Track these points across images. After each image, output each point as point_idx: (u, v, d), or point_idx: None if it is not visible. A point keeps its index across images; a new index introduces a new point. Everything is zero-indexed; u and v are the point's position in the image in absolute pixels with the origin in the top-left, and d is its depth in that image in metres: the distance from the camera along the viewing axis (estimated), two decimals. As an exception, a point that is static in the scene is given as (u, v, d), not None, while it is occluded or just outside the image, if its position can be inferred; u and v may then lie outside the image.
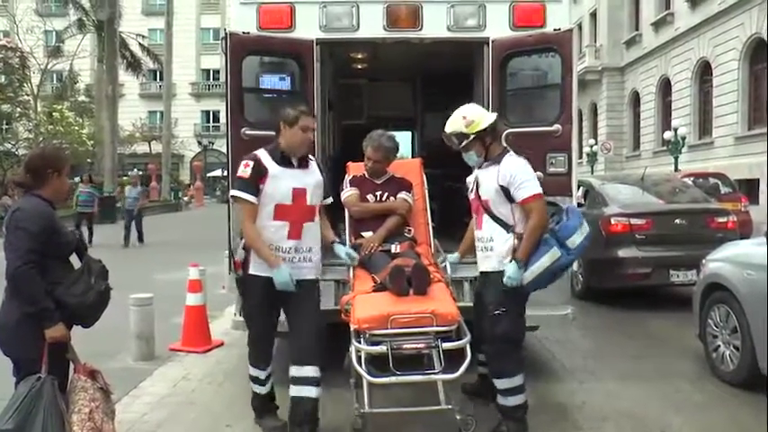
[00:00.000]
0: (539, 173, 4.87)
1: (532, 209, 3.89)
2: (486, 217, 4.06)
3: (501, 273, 3.93)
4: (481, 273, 4.21)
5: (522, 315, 4.15)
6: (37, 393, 3.08)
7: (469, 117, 4.04)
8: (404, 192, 5.01)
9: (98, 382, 3.37)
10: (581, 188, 9.63)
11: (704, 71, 26.29)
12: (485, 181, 4.06)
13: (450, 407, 4.08)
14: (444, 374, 3.87)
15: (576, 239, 3.89)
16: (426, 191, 5.30)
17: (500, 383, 4.03)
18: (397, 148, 5.15)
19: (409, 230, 4.96)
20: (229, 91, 4.98)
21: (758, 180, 21.05)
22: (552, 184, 4.96)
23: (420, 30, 5.23)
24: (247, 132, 4.94)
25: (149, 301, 6.07)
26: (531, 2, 5.23)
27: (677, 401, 4.77)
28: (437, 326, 3.84)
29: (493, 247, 4.03)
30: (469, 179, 4.30)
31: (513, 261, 3.89)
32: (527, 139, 5.00)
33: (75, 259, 3.44)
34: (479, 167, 4.15)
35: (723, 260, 5.40)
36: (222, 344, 6.51)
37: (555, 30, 5.06)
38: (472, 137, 4.02)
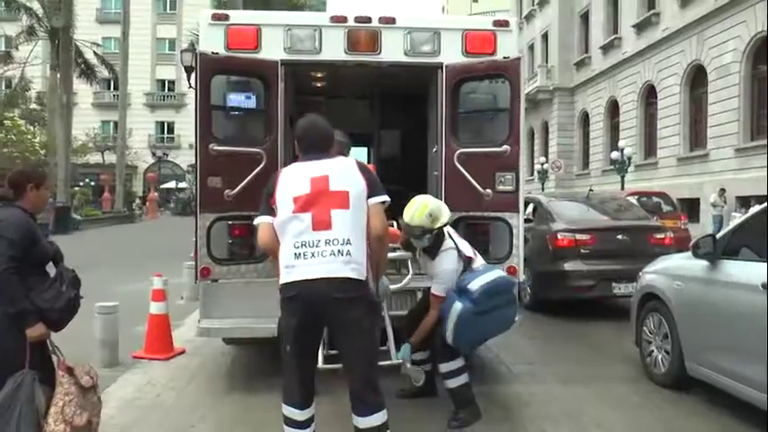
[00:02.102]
0: (488, 190, 5.32)
1: (432, 304, 4.47)
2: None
3: None
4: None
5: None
6: (17, 388, 3.33)
7: (434, 215, 4.42)
8: None
9: (74, 378, 3.53)
10: (530, 205, 10.12)
11: (649, 94, 27.45)
12: (421, 259, 4.75)
13: (400, 361, 4.48)
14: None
15: (476, 284, 4.26)
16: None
17: (441, 368, 4.53)
18: (349, 145, 5.04)
19: None
20: (198, 108, 5.21)
21: (698, 199, 22.08)
22: (501, 201, 5.38)
23: (378, 54, 5.55)
24: (215, 148, 5.18)
25: (114, 309, 6.20)
26: (483, 30, 5.63)
27: (613, 401, 5.18)
28: None
29: None
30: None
31: (407, 343, 4.53)
32: (477, 158, 5.39)
33: (50, 267, 3.67)
34: (423, 249, 4.62)
35: (656, 272, 5.86)
36: (184, 351, 6.68)
37: (504, 57, 5.44)
38: (435, 231, 4.44)
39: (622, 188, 22.03)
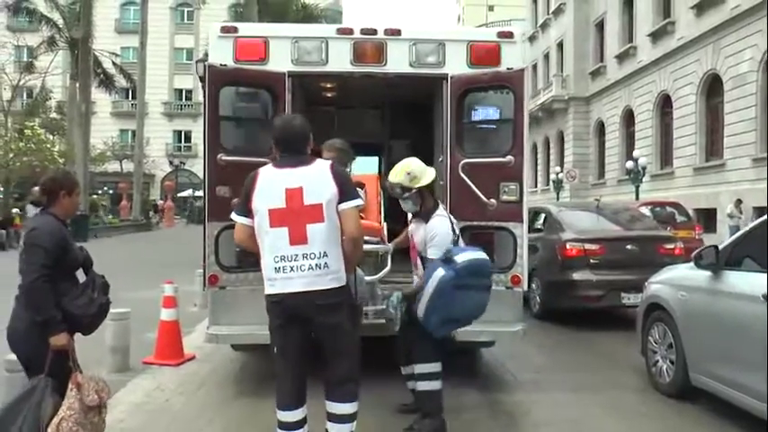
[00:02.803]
0: (492, 200, 5.38)
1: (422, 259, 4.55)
2: (419, 260, 4.68)
3: None
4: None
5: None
6: (30, 392, 3.41)
7: (413, 173, 4.56)
8: (356, 189, 5.49)
9: (80, 394, 3.53)
10: (540, 214, 10.16)
11: (665, 103, 27.33)
12: (416, 234, 4.68)
13: (383, 307, 4.89)
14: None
15: (463, 257, 4.29)
16: (381, 189, 6.26)
17: (416, 368, 4.55)
18: (352, 155, 5.23)
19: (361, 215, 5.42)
20: (207, 119, 5.33)
21: (715, 209, 21.90)
22: (505, 211, 5.43)
23: (384, 65, 5.64)
24: (223, 158, 5.29)
25: (126, 315, 6.32)
26: (487, 42, 5.70)
27: (618, 410, 5.20)
28: None
29: None
30: (410, 228, 4.86)
31: (399, 293, 4.59)
32: (482, 168, 5.45)
33: (80, 274, 3.80)
34: (414, 216, 4.74)
35: (661, 282, 5.88)
36: (194, 357, 6.78)
37: (508, 69, 5.51)
38: (414, 190, 4.56)
39: (636, 198, 21.92)
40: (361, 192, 5.72)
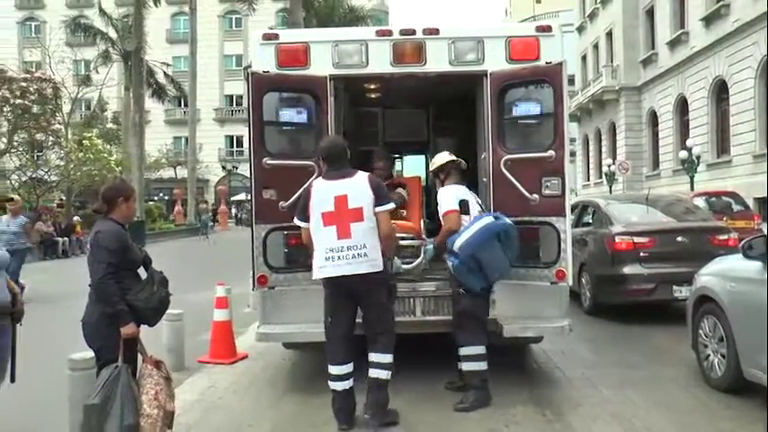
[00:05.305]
0: (535, 195, 5.38)
1: (443, 219, 5.32)
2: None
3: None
4: None
5: (476, 297, 5.16)
6: (116, 377, 3.79)
7: (434, 160, 5.69)
8: (399, 188, 6.43)
9: (161, 371, 4.03)
10: (590, 208, 10.03)
11: (721, 89, 26.47)
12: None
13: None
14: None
15: (455, 244, 5.07)
16: (422, 190, 6.98)
17: (461, 351, 5.15)
18: (393, 160, 6.35)
19: (403, 212, 6.21)
20: (251, 124, 5.49)
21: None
22: (547, 206, 5.41)
23: (424, 65, 5.70)
24: (268, 162, 5.44)
25: (180, 316, 6.58)
26: (526, 36, 5.70)
27: (666, 405, 5.13)
28: None
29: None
30: None
31: (431, 246, 5.62)
32: (523, 164, 5.45)
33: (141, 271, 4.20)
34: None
35: (711, 274, 5.76)
36: (247, 356, 6.98)
37: (547, 62, 5.50)
38: (433, 174, 5.65)
39: (692, 189, 21.33)
40: (403, 191, 5.98)
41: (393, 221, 4.98)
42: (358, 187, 4.63)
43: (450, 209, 5.28)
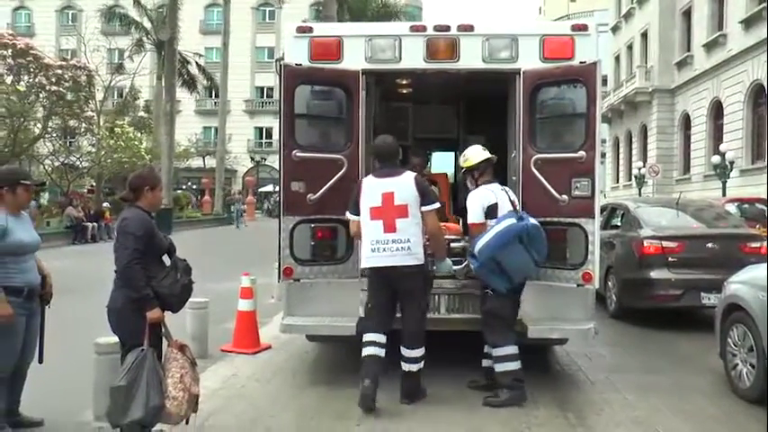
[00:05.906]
0: (564, 196, 5.32)
1: (469, 228, 5.43)
2: None
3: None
4: None
5: (502, 297, 5.15)
6: (141, 360, 3.85)
7: (465, 155, 5.54)
8: (432, 186, 6.39)
9: (186, 355, 4.09)
10: (618, 211, 9.91)
11: (758, 94, 25.91)
12: None
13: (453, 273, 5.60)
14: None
15: (535, 221, 5.10)
16: (450, 187, 7.34)
17: (494, 352, 5.19)
18: (427, 160, 6.50)
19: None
20: (282, 116, 5.51)
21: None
22: (576, 207, 5.36)
23: (457, 61, 5.68)
24: (298, 154, 5.46)
25: (205, 305, 6.65)
26: (561, 35, 5.64)
27: (690, 413, 5.06)
28: None
29: None
30: None
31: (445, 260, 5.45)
32: (554, 164, 5.40)
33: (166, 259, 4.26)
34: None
35: (742, 282, 5.66)
36: (270, 347, 7.03)
37: (581, 62, 5.43)
38: (464, 170, 5.56)
39: (723, 194, 20.96)
40: (435, 189, 6.05)
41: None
42: (404, 186, 5.02)
43: (474, 222, 5.31)
